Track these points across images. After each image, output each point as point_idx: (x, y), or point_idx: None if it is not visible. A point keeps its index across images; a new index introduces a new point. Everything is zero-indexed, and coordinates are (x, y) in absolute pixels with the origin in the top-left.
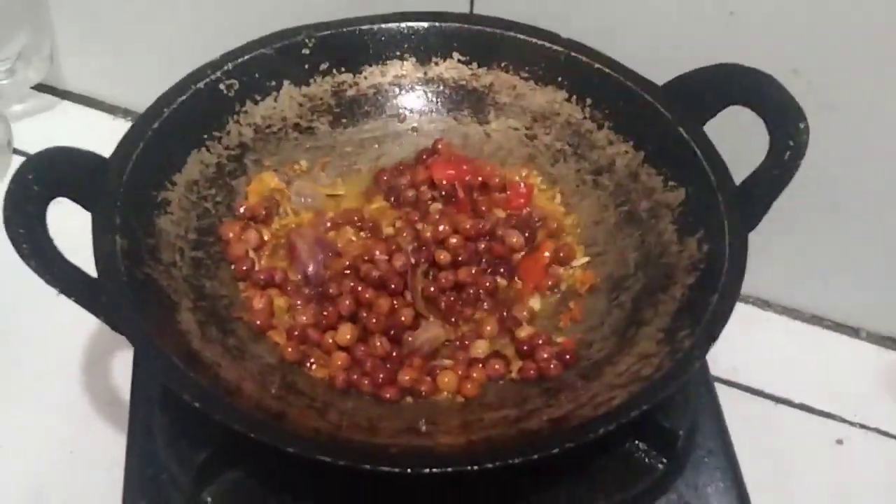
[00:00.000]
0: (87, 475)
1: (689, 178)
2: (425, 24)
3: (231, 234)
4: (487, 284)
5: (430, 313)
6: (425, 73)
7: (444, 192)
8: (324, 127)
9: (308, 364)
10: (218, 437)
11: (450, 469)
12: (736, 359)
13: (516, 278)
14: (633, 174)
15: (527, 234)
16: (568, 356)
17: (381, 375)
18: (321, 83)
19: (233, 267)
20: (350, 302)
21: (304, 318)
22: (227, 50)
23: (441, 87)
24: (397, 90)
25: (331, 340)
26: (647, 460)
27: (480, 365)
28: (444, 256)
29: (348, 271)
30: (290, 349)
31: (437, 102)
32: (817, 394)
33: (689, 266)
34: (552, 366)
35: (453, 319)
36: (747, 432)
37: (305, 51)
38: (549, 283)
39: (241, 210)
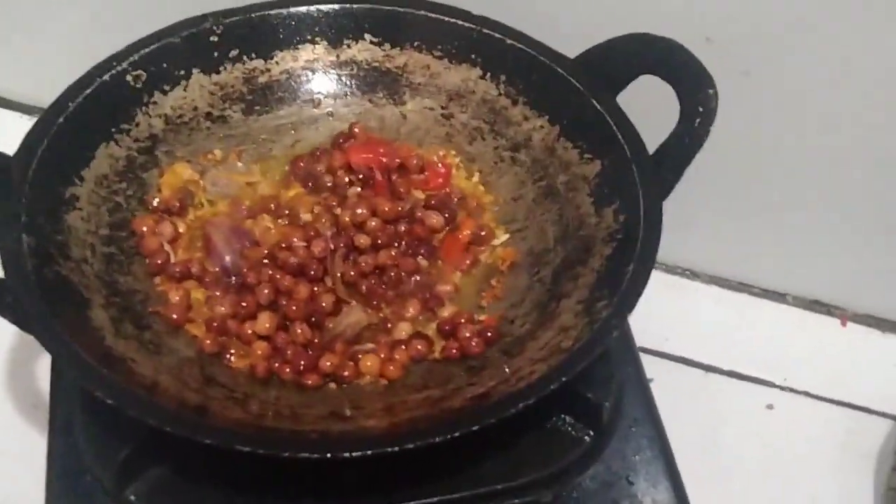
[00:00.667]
0: (11, 479)
1: (605, 149)
2: (335, 6)
3: (144, 228)
4: (409, 266)
5: (351, 298)
6: (338, 57)
7: (361, 176)
8: (237, 115)
9: (227, 356)
10: (137, 434)
11: (369, 452)
12: (665, 329)
13: (437, 259)
14: (550, 148)
15: (446, 215)
16: (490, 333)
17: (303, 362)
18: (232, 70)
19: (147, 261)
20: (269, 290)
21: (223, 308)
22: (133, 40)
23: (355, 70)
24: (310, 75)
25: (250, 330)
26: (573, 433)
27: (403, 347)
28: (363, 240)
29: (267, 260)
30: (208, 341)
31: (352, 85)
32: (746, 360)
33: (606, 237)
34: (474, 343)
35: (375, 303)
36: (679, 402)
37: (214, 38)
38: (470, 261)
39: (155, 203)
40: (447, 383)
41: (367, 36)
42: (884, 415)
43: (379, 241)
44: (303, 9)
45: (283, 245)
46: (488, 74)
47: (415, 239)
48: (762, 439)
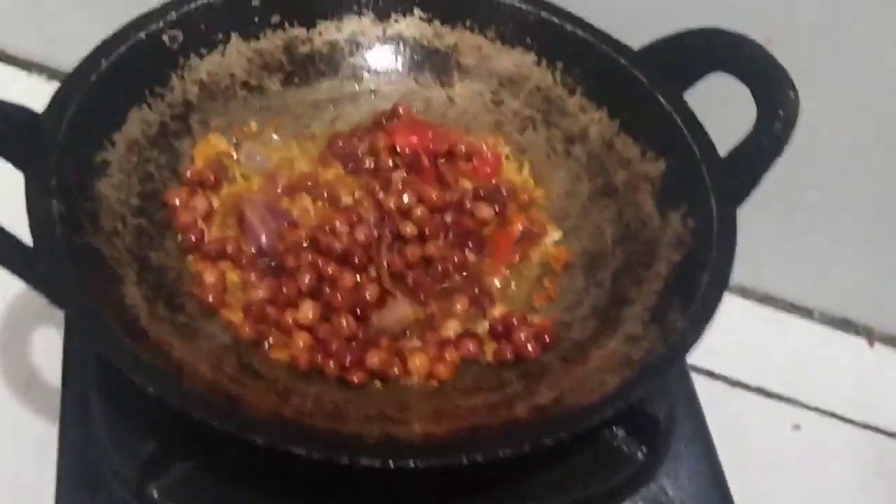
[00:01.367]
0: (7, 464)
1: (670, 148)
2: None
3: (177, 201)
4: (456, 259)
5: (397, 290)
6: (384, 31)
7: (406, 160)
8: (275, 86)
9: (266, 344)
10: (168, 425)
11: (435, 462)
12: None
13: (485, 254)
14: (608, 144)
15: (496, 207)
16: (546, 337)
17: (349, 357)
18: (272, 38)
19: (179, 237)
20: (310, 276)
21: (260, 293)
22: None
23: (401, 47)
24: (354, 48)
25: (291, 319)
26: (625, 448)
27: (453, 346)
28: (409, 229)
29: (306, 243)
30: (246, 328)
31: (397, 63)
32: (773, 377)
33: (673, 242)
34: (529, 347)
35: (421, 297)
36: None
37: (255, 2)
38: (520, 259)
39: (188, 174)
40: (502, 389)
41: (416, 11)
42: None
43: (426, 231)
44: None
45: (326, 229)
46: (544, 61)
47: (463, 231)
48: (789, 460)
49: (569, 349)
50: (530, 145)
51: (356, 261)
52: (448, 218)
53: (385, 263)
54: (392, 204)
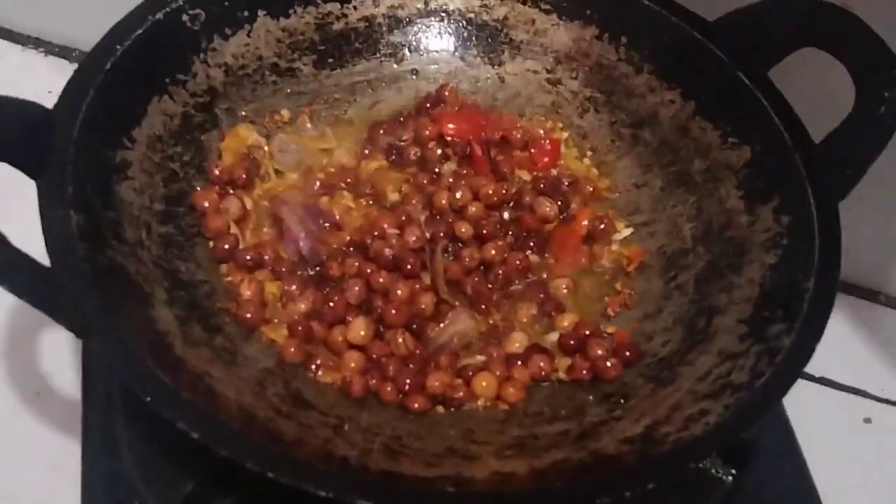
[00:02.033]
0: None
1: (755, 134)
2: None
3: (206, 204)
4: (518, 262)
5: (455, 299)
6: (426, 4)
7: (456, 150)
8: (307, 68)
9: (313, 367)
10: (210, 465)
11: None
12: None
13: (548, 255)
14: (683, 128)
15: (559, 202)
16: (628, 352)
17: (408, 381)
18: (303, 14)
19: (211, 245)
20: (360, 288)
21: (303, 306)
22: None
23: (445, 21)
24: (393, 24)
25: (341, 338)
26: (713, 471)
27: (520, 363)
28: (465, 229)
29: (350, 248)
30: (292, 349)
31: (442, 40)
32: (839, 367)
33: (766, 241)
34: (609, 364)
35: (483, 306)
36: None
37: None
38: (587, 259)
39: (216, 172)
40: (581, 415)
41: None
42: None
43: (484, 232)
44: None
45: (375, 233)
46: (606, 35)
47: (523, 229)
48: (860, 457)
49: (654, 366)
50: (592, 130)
51: (408, 268)
52: (506, 215)
53: (441, 270)
54: (444, 201)
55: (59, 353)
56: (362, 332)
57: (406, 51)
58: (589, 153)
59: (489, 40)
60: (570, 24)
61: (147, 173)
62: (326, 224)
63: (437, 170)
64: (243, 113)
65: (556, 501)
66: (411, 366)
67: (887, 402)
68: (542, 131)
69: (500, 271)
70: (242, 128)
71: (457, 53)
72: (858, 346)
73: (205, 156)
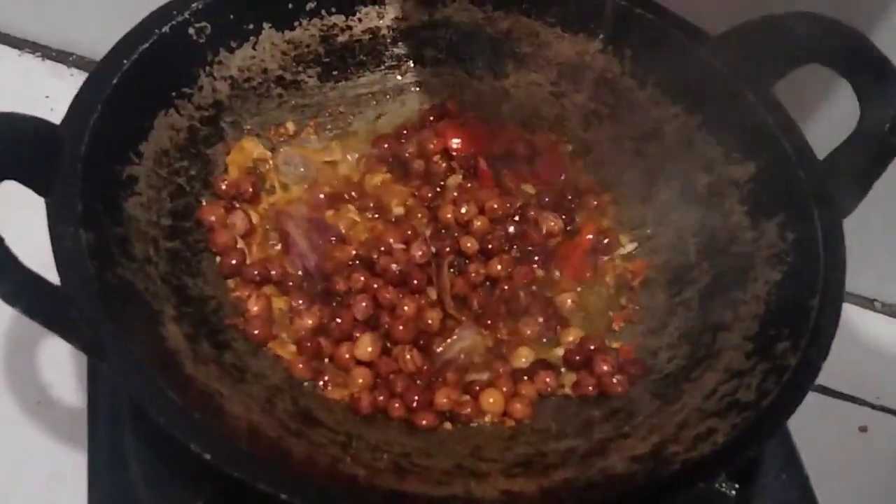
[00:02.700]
0: (15, 483)
1: (759, 149)
2: None
3: (213, 218)
4: (523, 277)
5: (461, 315)
6: (430, 15)
7: (460, 163)
8: (311, 80)
9: (321, 383)
10: (220, 483)
11: None
12: None
13: (553, 269)
14: (687, 142)
15: (564, 217)
16: (633, 368)
17: (416, 398)
18: (307, 27)
19: (218, 260)
20: (367, 304)
21: (309, 321)
22: None
23: (450, 34)
24: (397, 36)
25: (348, 354)
26: (718, 486)
27: (527, 378)
28: (470, 244)
29: (356, 262)
30: (300, 365)
31: (446, 52)
32: (835, 375)
33: (771, 258)
34: (615, 380)
35: (488, 321)
36: None
37: None
38: (591, 273)
39: (223, 187)
40: (589, 431)
41: None
42: None
43: (490, 246)
44: None
45: (381, 248)
46: (610, 48)
47: (528, 244)
48: (856, 465)
49: (660, 382)
50: (597, 143)
51: (415, 283)
52: (511, 229)
53: (447, 285)
54: (449, 215)
55: (60, 361)
56: (369, 349)
57: (410, 63)
58: (593, 166)
59: (493, 52)
60: (574, 37)
61: (154, 188)
62: (332, 238)
63: (441, 183)
64: (248, 126)
65: None
66: (419, 382)
67: (883, 409)
68: (546, 145)
69: (506, 286)
70: (248, 141)
71: (461, 66)
72: (854, 354)
73: (211, 170)
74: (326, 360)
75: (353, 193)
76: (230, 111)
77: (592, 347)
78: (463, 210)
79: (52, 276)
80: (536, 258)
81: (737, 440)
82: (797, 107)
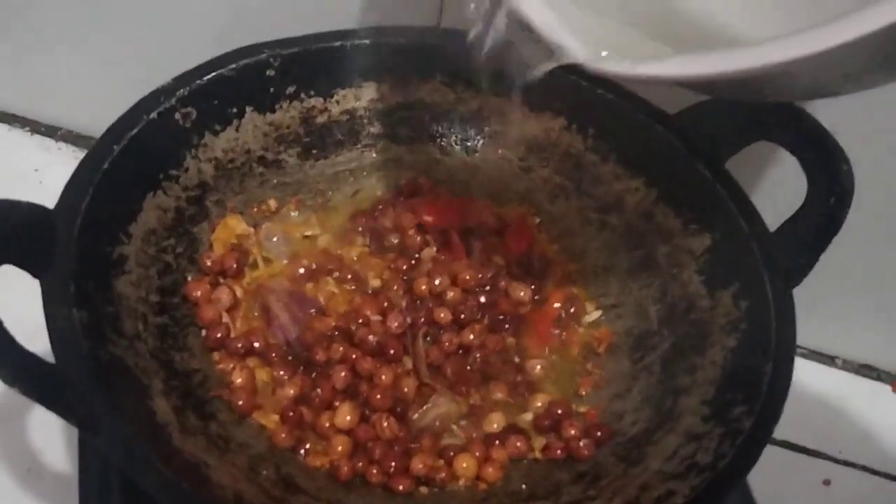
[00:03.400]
0: None
1: (714, 221)
2: (403, 40)
3: (198, 293)
4: (494, 345)
5: (436, 383)
6: (405, 97)
7: (434, 237)
8: (292, 159)
9: (301, 451)
10: None
11: None
12: None
13: (522, 336)
14: (647, 214)
15: (533, 286)
16: (599, 432)
17: (393, 464)
18: (288, 109)
19: (203, 333)
20: (346, 374)
21: (291, 391)
22: (181, 72)
23: (423, 113)
24: (373, 116)
25: (328, 423)
26: None
27: (498, 443)
28: (444, 315)
29: (336, 332)
30: (283, 434)
31: (419, 130)
32: (799, 430)
33: (726, 325)
34: (582, 444)
35: (462, 388)
36: None
37: (270, 72)
38: (560, 341)
39: (208, 263)
40: (557, 493)
41: (437, 75)
42: None
43: (462, 316)
44: (368, 42)
45: (359, 320)
46: (574, 126)
47: (499, 313)
48: None
49: (624, 445)
50: (563, 215)
51: (391, 353)
52: (483, 298)
53: (422, 355)
54: (424, 287)
55: (51, 429)
56: (348, 418)
57: (385, 141)
58: (560, 237)
59: (464, 130)
60: (540, 115)
61: (143, 266)
62: (312, 310)
63: (416, 256)
64: (232, 204)
65: None
66: (396, 448)
67: (846, 463)
68: (515, 217)
69: (478, 354)
70: (231, 218)
71: (433, 143)
72: (817, 410)
73: (196, 247)
74: (308, 429)
75: (331, 266)
76: (215, 191)
77: (560, 412)
78: (437, 282)
79: (38, 346)
80: (507, 326)
81: (694, 502)
82: (750, 181)
